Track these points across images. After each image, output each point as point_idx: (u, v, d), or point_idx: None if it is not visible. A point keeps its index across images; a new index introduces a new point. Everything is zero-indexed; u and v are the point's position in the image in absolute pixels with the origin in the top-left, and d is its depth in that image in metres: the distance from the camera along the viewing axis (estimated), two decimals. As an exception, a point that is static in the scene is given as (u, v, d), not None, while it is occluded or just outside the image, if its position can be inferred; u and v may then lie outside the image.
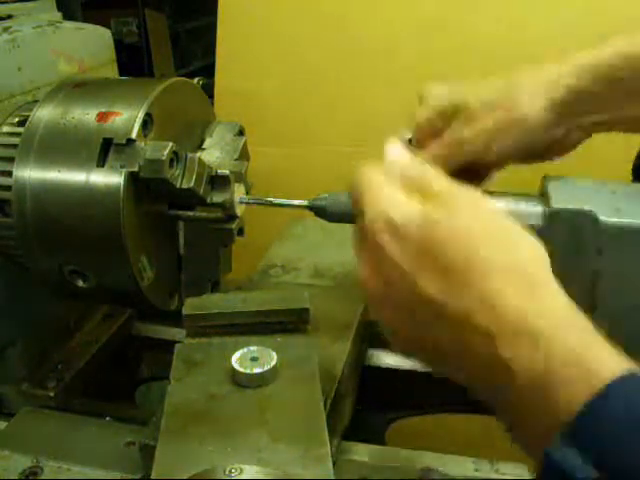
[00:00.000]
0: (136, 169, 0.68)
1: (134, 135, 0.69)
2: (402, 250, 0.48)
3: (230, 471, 0.49)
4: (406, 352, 0.53)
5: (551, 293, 0.45)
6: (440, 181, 0.51)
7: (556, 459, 0.38)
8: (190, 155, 0.72)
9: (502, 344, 0.43)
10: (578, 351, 0.41)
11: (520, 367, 0.42)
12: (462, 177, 0.63)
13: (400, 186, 0.52)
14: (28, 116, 0.74)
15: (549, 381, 0.41)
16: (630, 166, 0.91)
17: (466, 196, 0.50)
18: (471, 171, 0.71)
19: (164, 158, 0.68)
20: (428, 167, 0.54)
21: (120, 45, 1.05)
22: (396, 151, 0.56)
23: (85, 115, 0.72)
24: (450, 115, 0.71)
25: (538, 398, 0.41)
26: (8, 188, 0.72)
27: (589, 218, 0.62)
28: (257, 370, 0.59)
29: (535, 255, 0.49)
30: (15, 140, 0.74)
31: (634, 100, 0.66)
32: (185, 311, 0.68)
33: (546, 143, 0.70)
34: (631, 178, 0.89)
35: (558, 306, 0.44)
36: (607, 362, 0.40)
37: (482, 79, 0.72)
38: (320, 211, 0.72)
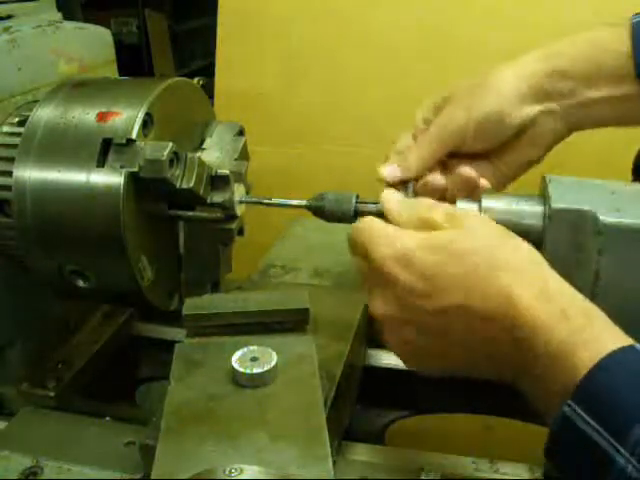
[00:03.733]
0: (136, 169, 0.68)
1: (134, 135, 0.69)
2: (415, 274, 0.54)
3: (230, 471, 0.49)
4: (430, 367, 0.60)
5: (565, 289, 0.53)
6: (436, 210, 0.58)
7: (567, 414, 0.47)
8: (190, 155, 0.72)
9: (519, 334, 0.51)
10: (585, 326, 0.50)
11: (539, 342, 0.50)
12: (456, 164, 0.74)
13: (401, 223, 0.59)
14: (28, 116, 0.74)
15: (563, 350, 0.49)
16: (630, 166, 0.91)
17: (465, 217, 0.58)
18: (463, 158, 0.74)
19: (164, 158, 0.68)
20: (423, 202, 0.61)
21: (120, 45, 1.05)
22: (391, 197, 0.65)
23: (85, 115, 0.72)
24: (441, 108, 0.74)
25: (550, 372, 0.50)
26: (8, 188, 0.72)
27: (589, 218, 0.62)
28: (257, 370, 0.59)
29: (534, 254, 0.56)
30: (15, 140, 0.74)
31: (603, 81, 0.69)
32: (185, 311, 0.68)
33: (522, 121, 0.71)
34: (631, 178, 0.89)
35: (570, 301, 0.52)
36: (611, 335, 0.49)
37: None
38: (319, 211, 0.72)
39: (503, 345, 0.52)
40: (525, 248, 0.56)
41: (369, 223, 0.59)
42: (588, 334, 0.49)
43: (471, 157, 0.74)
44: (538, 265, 0.55)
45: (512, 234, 0.57)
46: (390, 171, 0.74)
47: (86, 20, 1.07)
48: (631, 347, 0.48)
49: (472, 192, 0.72)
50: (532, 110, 0.71)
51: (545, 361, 0.50)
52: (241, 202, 0.77)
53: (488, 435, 1.05)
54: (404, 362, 0.61)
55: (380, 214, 0.70)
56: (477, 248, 0.54)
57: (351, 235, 0.61)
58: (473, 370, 0.58)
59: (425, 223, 0.57)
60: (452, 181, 0.73)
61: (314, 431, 0.54)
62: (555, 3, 1.31)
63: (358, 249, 0.60)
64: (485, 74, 0.73)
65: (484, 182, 0.72)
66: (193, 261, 0.81)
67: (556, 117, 0.72)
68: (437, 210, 0.58)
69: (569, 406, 0.47)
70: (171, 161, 0.69)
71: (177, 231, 0.80)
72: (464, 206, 0.68)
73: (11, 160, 0.72)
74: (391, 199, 0.64)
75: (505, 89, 0.71)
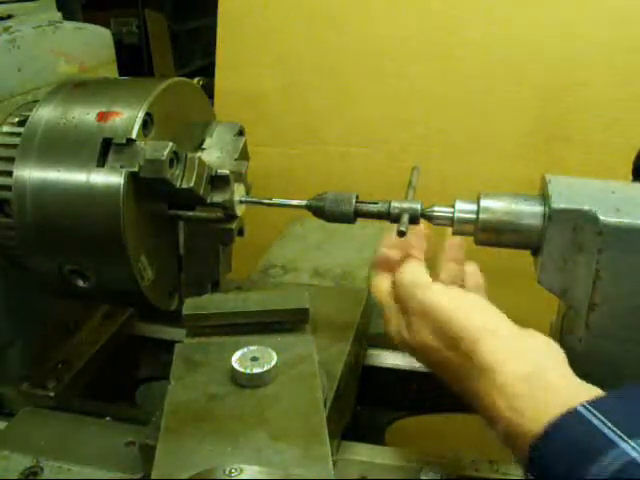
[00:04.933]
0: (136, 169, 0.68)
1: (134, 135, 0.69)
2: (429, 327, 0.63)
3: (230, 471, 0.49)
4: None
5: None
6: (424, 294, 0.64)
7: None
8: (190, 155, 0.72)
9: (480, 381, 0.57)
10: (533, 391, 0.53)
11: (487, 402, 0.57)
12: None
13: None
14: (28, 116, 0.74)
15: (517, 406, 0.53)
16: (630, 166, 0.91)
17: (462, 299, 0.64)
18: None
19: (164, 158, 0.68)
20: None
21: (120, 45, 1.05)
22: (380, 286, 0.71)
23: (85, 115, 0.72)
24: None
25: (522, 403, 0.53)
26: (8, 188, 0.72)
27: (589, 218, 0.62)
28: (257, 370, 0.59)
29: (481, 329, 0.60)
30: (15, 140, 0.74)
31: None
32: (185, 311, 0.68)
33: None
34: (631, 178, 0.89)
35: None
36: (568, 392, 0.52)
37: None
38: (319, 211, 0.72)
39: (456, 368, 0.61)
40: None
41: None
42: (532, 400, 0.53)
43: None
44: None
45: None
46: None
47: (86, 20, 1.07)
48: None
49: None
50: None
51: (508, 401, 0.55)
52: (241, 202, 0.77)
53: (488, 435, 1.05)
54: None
55: (380, 214, 0.70)
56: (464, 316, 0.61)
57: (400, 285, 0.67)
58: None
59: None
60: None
61: (314, 431, 0.54)
62: (555, 3, 1.31)
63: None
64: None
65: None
66: (193, 261, 0.81)
67: None
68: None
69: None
70: (171, 161, 0.69)
71: (177, 231, 0.80)
72: (463, 207, 0.68)
73: (11, 160, 0.72)
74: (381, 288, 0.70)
75: None
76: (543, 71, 1.29)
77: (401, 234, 0.67)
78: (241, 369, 0.59)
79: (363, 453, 0.75)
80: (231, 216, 0.77)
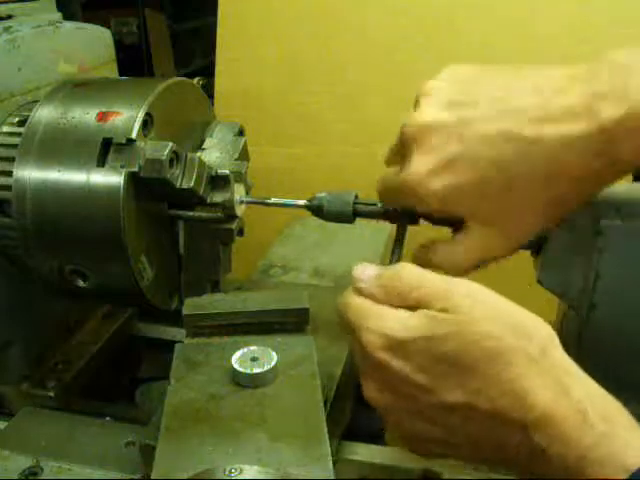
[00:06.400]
0: (136, 169, 0.68)
1: (134, 135, 0.69)
2: (412, 365, 0.49)
3: (230, 471, 0.49)
4: (434, 454, 0.55)
5: (578, 379, 0.47)
6: (431, 283, 0.51)
7: None
8: (190, 155, 0.72)
9: (537, 435, 0.45)
10: (606, 437, 0.44)
11: (554, 452, 0.44)
12: None
13: (386, 300, 0.52)
14: (28, 116, 0.74)
15: (581, 466, 0.43)
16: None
17: (459, 290, 0.50)
18: None
19: (164, 158, 0.68)
20: (402, 269, 0.53)
21: (120, 45, 1.05)
22: (364, 270, 0.56)
23: (85, 115, 0.72)
24: None
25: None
26: (8, 188, 0.72)
27: (589, 218, 0.62)
28: (257, 370, 0.59)
29: (553, 342, 0.49)
30: (15, 140, 0.74)
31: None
32: (185, 311, 0.68)
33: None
34: (631, 178, 0.89)
35: (586, 392, 0.46)
36: (633, 449, 0.43)
37: None
38: (318, 211, 0.72)
39: (513, 448, 0.47)
40: (533, 333, 0.48)
41: (355, 302, 0.54)
42: (607, 447, 0.44)
43: None
44: (551, 354, 0.48)
45: (512, 310, 0.50)
46: None
47: (86, 20, 1.07)
48: None
49: None
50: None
51: (560, 472, 0.45)
52: (241, 202, 0.77)
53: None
54: (405, 446, 0.56)
55: (379, 214, 0.70)
56: (478, 336, 0.47)
57: (339, 312, 0.56)
58: (480, 461, 0.55)
59: (411, 301, 0.51)
60: None
61: (314, 431, 0.54)
62: (557, 3, 1.31)
63: (347, 327, 0.55)
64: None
65: None
66: (193, 261, 0.81)
67: None
68: (423, 288, 0.51)
69: None
70: (171, 161, 0.69)
71: (177, 231, 0.80)
72: None
73: (11, 160, 0.72)
74: (363, 271, 0.56)
75: None
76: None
77: None
78: (241, 369, 0.59)
79: (363, 453, 0.75)
80: (231, 216, 0.77)
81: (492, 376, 0.46)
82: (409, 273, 0.52)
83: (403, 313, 0.51)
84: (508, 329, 0.47)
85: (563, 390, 0.46)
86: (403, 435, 0.54)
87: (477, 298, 0.49)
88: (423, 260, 0.63)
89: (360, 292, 0.55)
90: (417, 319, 0.49)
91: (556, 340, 0.49)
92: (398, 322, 0.50)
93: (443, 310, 0.49)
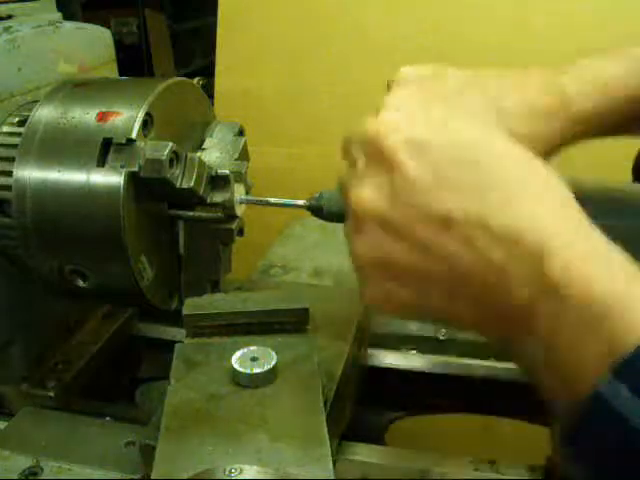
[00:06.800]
0: (136, 169, 0.68)
1: (134, 135, 0.69)
2: (426, 166, 0.42)
3: (230, 471, 0.49)
4: (404, 309, 0.46)
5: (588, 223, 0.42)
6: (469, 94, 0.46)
7: (605, 395, 0.35)
8: (190, 155, 0.72)
9: (554, 264, 0.38)
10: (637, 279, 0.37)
11: (575, 290, 0.37)
12: None
13: (417, 100, 0.47)
14: (28, 116, 0.74)
15: (610, 306, 0.36)
16: (630, 166, 0.91)
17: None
18: None
19: (164, 158, 0.68)
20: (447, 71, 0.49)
21: (120, 45, 1.05)
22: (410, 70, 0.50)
23: (85, 115, 0.72)
24: None
25: (594, 324, 0.36)
26: (8, 188, 0.72)
27: (589, 218, 0.62)
28: (257, 370, 0.59)
29: (561, 184, 0.44)
30: (15, 140, 0.74)
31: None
32: (185, 311, 0.68)
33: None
34: (631, 178, 0.89)
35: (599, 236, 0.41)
36: None
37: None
38: (317, 211, 0.72)
39: (517, 288, 0.39)
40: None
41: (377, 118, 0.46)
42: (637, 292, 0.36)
43: None
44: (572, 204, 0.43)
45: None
46: None
47: (86, 20, 1.07)
48: None
49: None
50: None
51: (575, 319, 0.37)
52: (241, 202, 0.77)
53: (488, 435, 1.05)
54: (369, 296, 0.47)
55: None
56: (504, 155, 0.42)
57: (349, 135, 0.50)
58: (452, 317, 0.45)
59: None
60: None
61: (314, 431, 0.54)
62: (556, 3, 1.31)
63: (357, 148, 0.48)
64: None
65: None
66: (193, 261, 0.81)
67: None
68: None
69: (609, 383, 0.35)
70: (171, 161, 0.69)
71: (177, 231, 0.80)
72: None
73: (11, 160, 0.72)
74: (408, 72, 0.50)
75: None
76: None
77: None
78: (241, 369, 0.59)
79: (363, 453, 0.75)
80: (231, 216, 0.77)
81: (516, 197, 0.41)
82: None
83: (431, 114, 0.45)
84: (530, 166, 0.43)
85: (585, 231, 0.41)
86: (367, 258, 0.45)
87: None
88: None
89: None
90: (443, 129, 0.44)
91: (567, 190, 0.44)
92: (424, 127, 0.44)
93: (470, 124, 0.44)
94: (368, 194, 0.45)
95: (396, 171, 0.43)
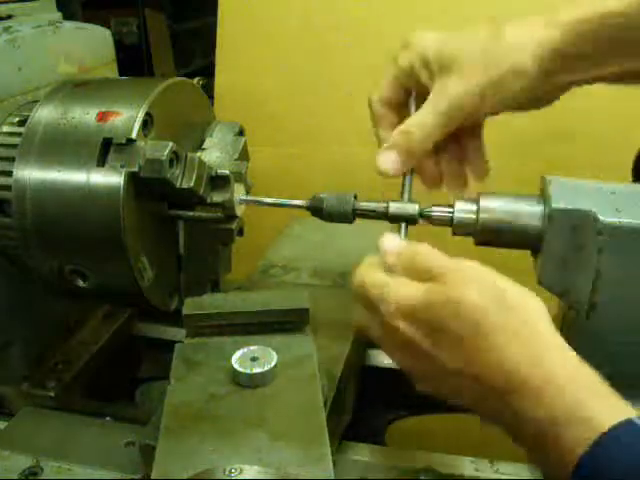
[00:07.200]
0: (136, 169, 0.68)
1: (134, 135, 0.69)
2: (420, 331, 0.54)
3: (230, 471, 0.49)
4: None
5: (555, 349, 0.51)
6: (438, 261, 0.56)
7: None
8: (190, 155, 0.72)
9: (511, 400, 0.50)
10: (578, 403, 0.47)
11: (527, 417, 0.49)
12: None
13: (401, 274, 0.58)
14: (28, 116, 0.74)
15: (553, 430, 0.47)
16: (630, 166, 0.91)
17: (465, 270, 0.55)
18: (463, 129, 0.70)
19: (164, 158, 0.68)
20: (423, 250, 0.58)
21: (120, 45, 1.05)
22: (390, 242, 0.61)
23: (85, 115, 0.72)
24: (437, 68, 0.68)
25: (546, 442, 0.48)
26: (8, 188, 0.72)
27: (589, 218, 0.62)
28: (257, 370, 0.59)
29: (537, 314, 0.53)
30: (15, 140, 0.74)
31: (616, 57, 0.65)
32: (185, 311, 0.68)
33: (531, 98, 0.68)
34: (631, 178, 0.89)
35: (561, 362, 0.50)
36: (606, 410, 0.47)
37: (464, 30, 0.74)
38: (318, 211, 0.72)
39: (497, 411, 0.52)
40: (516, 305, 0.53)
41: (375, 276, 0.59)
42: (580, 412, 0.47)
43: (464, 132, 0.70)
44: (533, 326, 0.52)
45: (500, 285, 0.54)
46: (388, 162, 0.68)
47: (86, 20, 1.07)
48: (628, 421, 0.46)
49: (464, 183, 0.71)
50: (543, 88, 0.67)
51: (538, 439, 0.49)
52: (241, 202, 0.77)
53: (488, 435, 1.05)
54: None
55: (378, 215, 0.70)
56: (462, 307, 0.52)
57: (356, 287, 0.60)
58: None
59: (422, 274, 0.56)
60: (445, 167, 0.71)
61: (314, 431, 0.54)
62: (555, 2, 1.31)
63: (364, 300, 0.59)
64: (495, 46, 0.69)
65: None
66: (193, 261, 0.81)
67: (562, 88, 0.69)
68: (435, 262, 0.57)
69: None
70: (171, 161, 0.69)
71: (177, 231, 0.80)
72: (463, 207, 0.68)
73: (11, 160, 0.72)
74: (390, 245, 0.61)
75: (522, 79, 0.65)
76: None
77: None
78: (241, 369, 0.59)
79: (363, 453, 0.75)
80: (231, 216, 0.77)
81: (475, 345, 0.51)
82: (425, 253, 0.58)
83: (415, 284, 0.56)
84: (492, 301, 0.52)
85: (537, 361, 0.49)
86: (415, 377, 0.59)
87: (467, 273, 0.54)
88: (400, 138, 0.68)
89: (382, 265, 0.60)
90: (422, 289, 0.55)
91: (544, 313, 0.53)
92: (410, 292, 0.55)
93: (441, 283, 0.54)
94: (398, 358, 0.59)
95: (404, 336, 0.55)
